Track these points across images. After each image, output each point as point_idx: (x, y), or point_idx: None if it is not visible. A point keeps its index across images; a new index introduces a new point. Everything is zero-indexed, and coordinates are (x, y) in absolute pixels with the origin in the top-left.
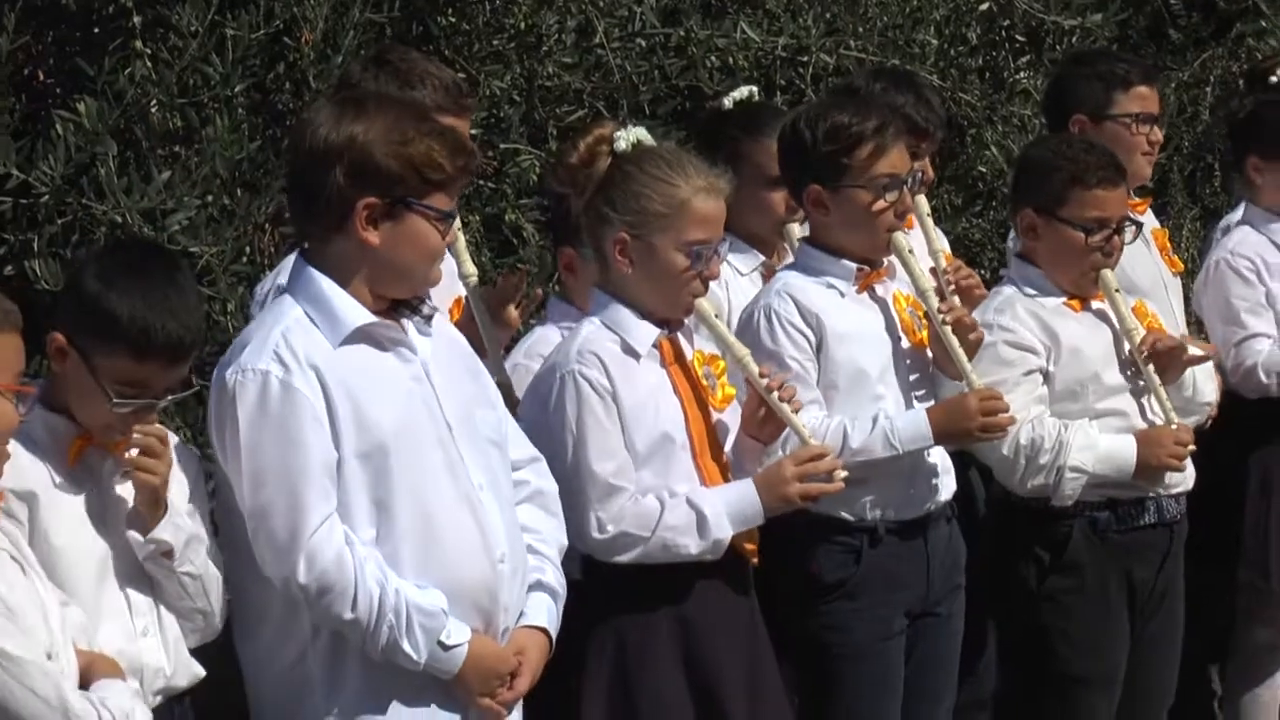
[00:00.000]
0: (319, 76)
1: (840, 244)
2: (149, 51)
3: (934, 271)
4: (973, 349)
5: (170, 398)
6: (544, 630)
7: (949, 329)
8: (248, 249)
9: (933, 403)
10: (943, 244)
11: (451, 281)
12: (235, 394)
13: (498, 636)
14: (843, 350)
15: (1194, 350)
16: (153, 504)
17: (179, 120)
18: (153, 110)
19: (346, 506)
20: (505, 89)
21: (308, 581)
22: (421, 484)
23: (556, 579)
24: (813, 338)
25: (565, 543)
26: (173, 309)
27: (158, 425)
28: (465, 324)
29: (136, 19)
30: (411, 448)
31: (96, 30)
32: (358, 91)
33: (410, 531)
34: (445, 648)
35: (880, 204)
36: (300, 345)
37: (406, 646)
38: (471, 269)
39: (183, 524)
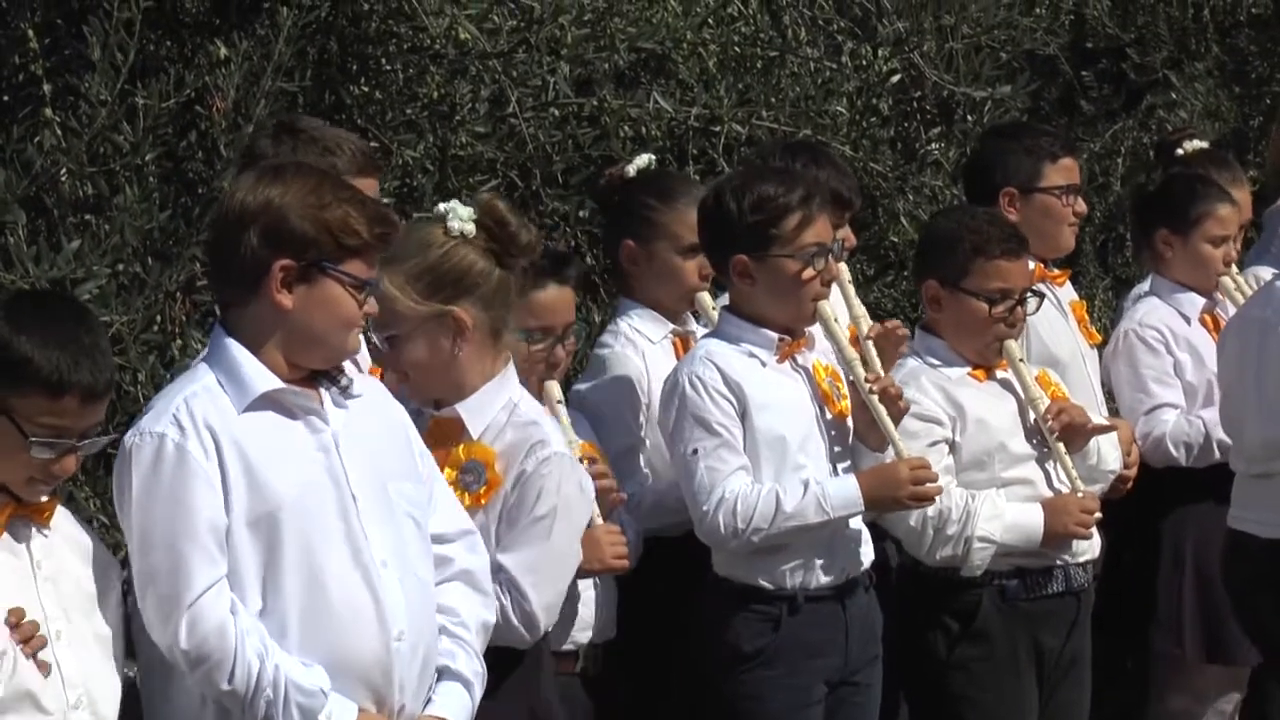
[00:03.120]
0: (230, 145)
1: (763, 313)
2: (58, 120)
3: (854, 339)
4: (898, 417)
5: (88, 441)
6: None
7: (875, 398)
8: (159, 318)
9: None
10: (862, 311)
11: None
12: (131, 456)
13: (392, 716)
14: (764, 419)
15: (1097, 419)
16: None
17: (89, 188)
18: (62, 178)
19: (235, 574)
20: (418, 158)
21: (188, 648)
22: (314, 555)
23: (469, 666)
24: (736, 405)
25: (490, 621)
26: (84, 348)
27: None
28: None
29: (46, 87)
30: (306, 517)
31: (5, 98)
32: (280, 159)
33: (298, 602)
34: None
35: (809, 273)
36: (200, 410)
37: None
38: None
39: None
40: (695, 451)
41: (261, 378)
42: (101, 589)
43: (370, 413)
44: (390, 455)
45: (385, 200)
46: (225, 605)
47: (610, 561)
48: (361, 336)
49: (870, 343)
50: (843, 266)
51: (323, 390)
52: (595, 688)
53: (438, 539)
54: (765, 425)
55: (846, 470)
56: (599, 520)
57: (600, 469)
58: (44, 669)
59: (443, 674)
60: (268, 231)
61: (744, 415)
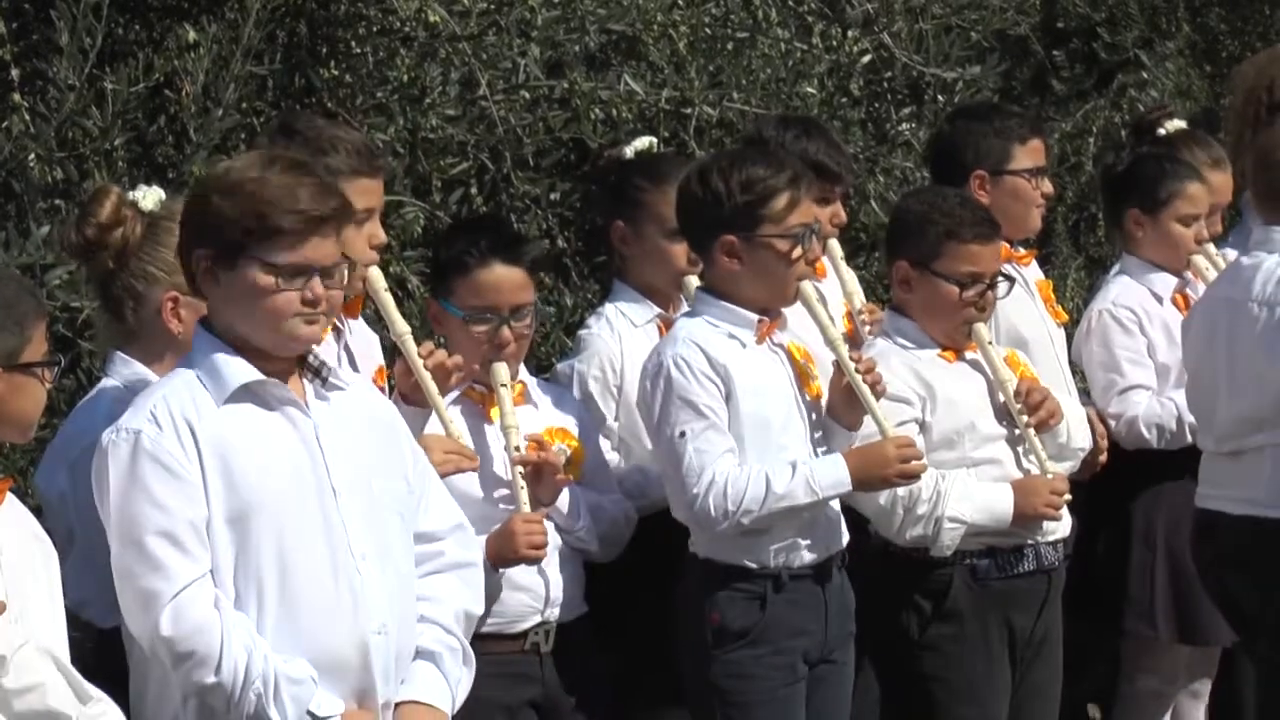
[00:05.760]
0: (200, 130)
1: (744, 294)
2: (26, 105)
3: (849, 314)
4: (877, 398)
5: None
6: (425, 704)
7: (860, 378)
8: None
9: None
10: (856, 287)
11: (370, 347)
12: (109, 453)
13: (377, 712)
14: (749, 401)
15: (1065, 399)
16: None
17: (58, 174)
18: (31, 164)
19: (214, 569)
20: (389, 141)
21: (172, 641)
22: (291, 549)
23: (437, 639)
24: (722, 387)
25: (474, 611)
26: None
27: None
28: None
29: (14, 72)
30: (284, 511)
31: None
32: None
33: (274, 596)
34: (315, 718)
35: (796, 253)
36: (178, 406)
37: (274, 714)
38: (404, 327)
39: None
40: (683, 434)
41: (238, 370)
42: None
43: (356, 407)
44: (375, 450)
45: None
46: (209, 599)
47: (524, 552)
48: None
49: (864, 322)
50: (834, 243)
51: (304, 382)
52: (567, 664)
53: (429, 536)
54: (750, 408)
55: (825, 452)
56: (525, 508)
57: (546, 455)
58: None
59: (419, 657)
60: (187, 221)
61: (729, 397)
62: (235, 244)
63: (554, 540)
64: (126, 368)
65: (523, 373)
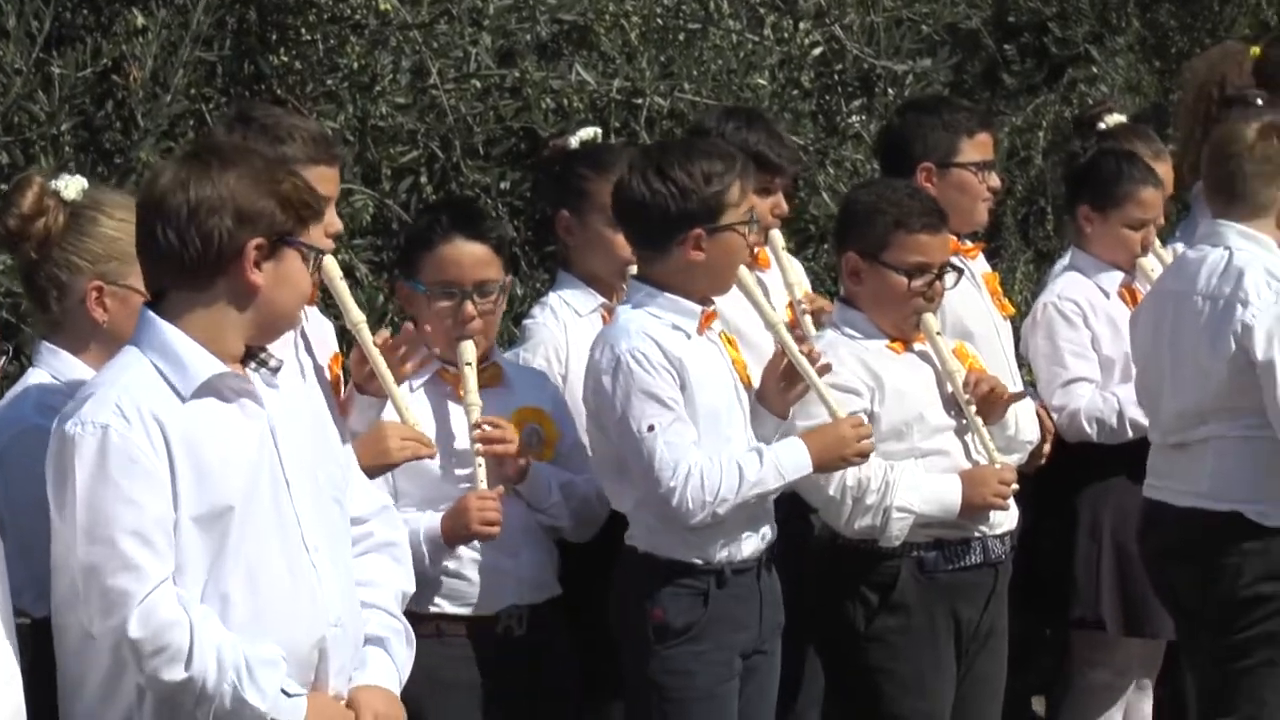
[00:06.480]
0: (148, 115)
1: (694, 286)
2: None
3: (791, 304)
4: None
5: None
6: (378, 687)
7: (806, 361)
8: None
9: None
10: (799, 277)
11: (325, 335)
12: (75, 447)
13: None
14: (702, 393)
15: (1012, 391)
16: None
17: (4, 158)
18: None
19: (180, 567)
20: (338, 129)
21: (140, 643)
22: (255, 547)
23: (383, 625)
24: (677, 378)
25: (408, 590)
26: None
27: None
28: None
29: None
30: (249, 510)
31: None
32: (196, 144)
33: (240, 596)
34: (289, 695)
35: (751, 241)
36: (145, 401)
37: (253, 696)
38: (359, 315)
39: None
40: (651, 428)
41: (206, 364)
42: None
43: (294, 395)
44: (315, 438)
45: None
46: (175, 597)
47: (476, 528)
48: None
49: (804, 310)
50: (776, 233)
51: (251, 372)
52: (538, 647)
53: (357, 519)
54: (702, 399)
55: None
56: (483, 485)
57: (501, 434)
58: None
59: (367, 643)
60: (239, 214)
61: (683, 388)
62: (287, 231)
63: (526, 521)
64: (54, 357)
65: (496, 354)
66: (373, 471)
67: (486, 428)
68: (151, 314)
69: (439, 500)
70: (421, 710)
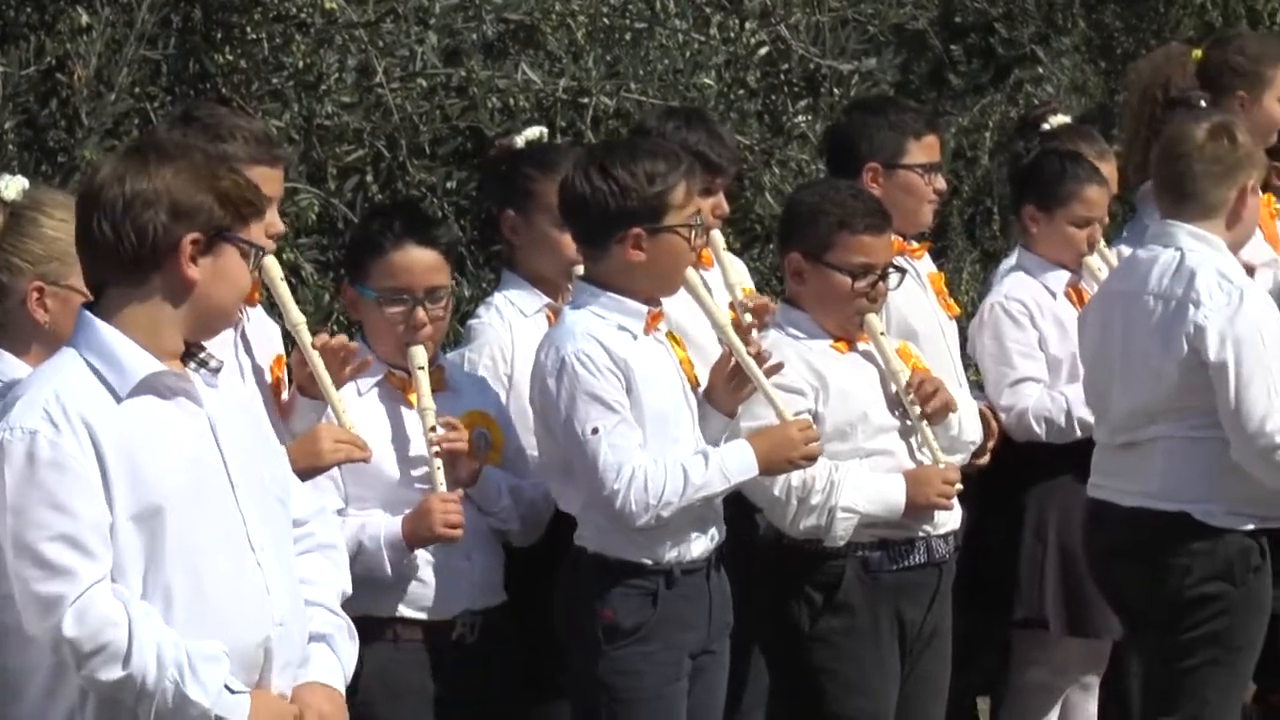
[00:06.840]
0: (92, 114)
1: (638, 286)
2: None
3: (732, 305)
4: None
5: None
6: (324, 684)
7: (753, 361)
8: None
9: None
10: (741, 276)
11: (269, 336)
12: (4, 453)
13: None
14: (648, 395)
15: (957, 392)
16: None
17: None
18: None
19: (119, 568)
20: (283, 127)
21: (77, 642)
22: (197, 546)
23: (326, 621)
24: (623, 380)
25: (347, 590)
26: None
27: None
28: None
29: None
30: (189, 508)
31: None
32: (140, 140)
33: (182, 595)
34: (232, 691)
35: (695, 243)
36: (75, 403)
37: (195, 693)
38: (299, 316)
39: None
40: (595, 430)
41: (142, 362)
42: None
43: (235, 395)
44: (257, 437)
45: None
46: (111, 596)
47: (440, 530)
48: None
49: (745, 308)
50: (716, 234)
51: (191, 371)
52: (484, 652)
53: (297, 521)
54: (649, 400)
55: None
56: (442, 488)
57: (459, 435)
58: None
59: (311, 640)
60: (174, 208)
61: (629, 390)
62: (225, 226)
63: (478, 524)
64: None
65: (441, 357)
66: (305, 474)
67: (441, 429)
68: (89, 314)
69: (397, 504)
70: (374, 715)
